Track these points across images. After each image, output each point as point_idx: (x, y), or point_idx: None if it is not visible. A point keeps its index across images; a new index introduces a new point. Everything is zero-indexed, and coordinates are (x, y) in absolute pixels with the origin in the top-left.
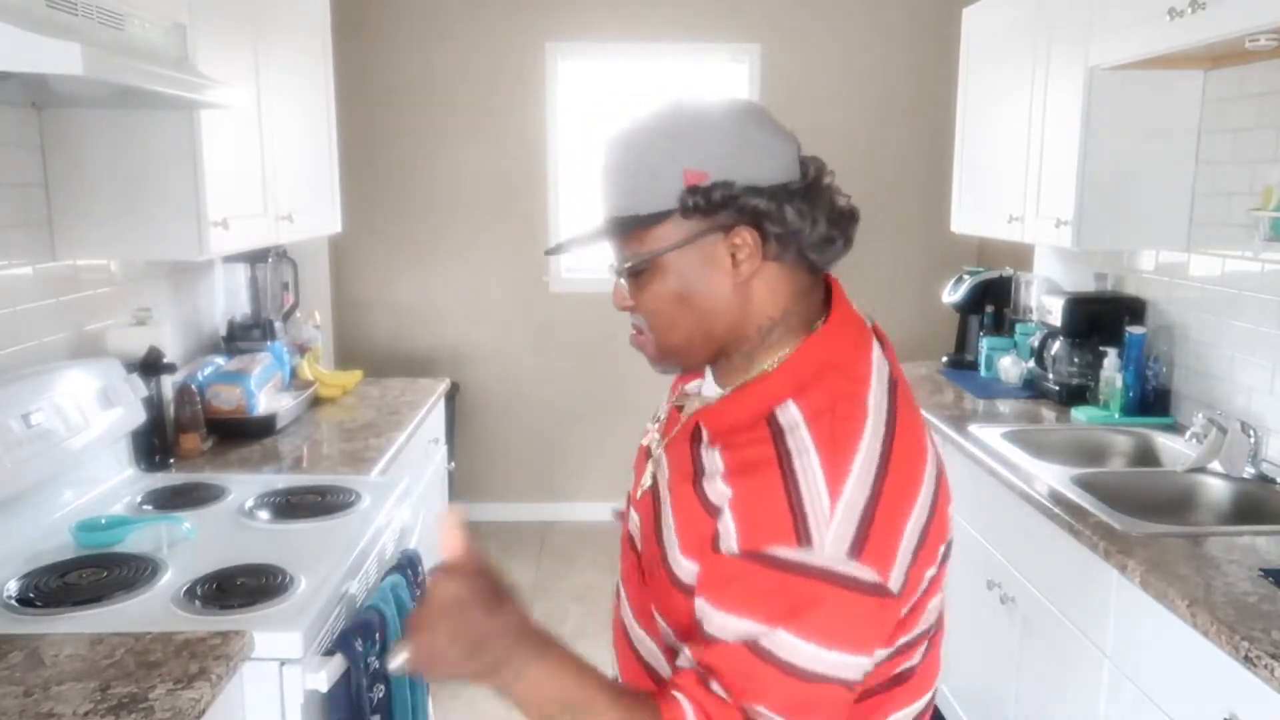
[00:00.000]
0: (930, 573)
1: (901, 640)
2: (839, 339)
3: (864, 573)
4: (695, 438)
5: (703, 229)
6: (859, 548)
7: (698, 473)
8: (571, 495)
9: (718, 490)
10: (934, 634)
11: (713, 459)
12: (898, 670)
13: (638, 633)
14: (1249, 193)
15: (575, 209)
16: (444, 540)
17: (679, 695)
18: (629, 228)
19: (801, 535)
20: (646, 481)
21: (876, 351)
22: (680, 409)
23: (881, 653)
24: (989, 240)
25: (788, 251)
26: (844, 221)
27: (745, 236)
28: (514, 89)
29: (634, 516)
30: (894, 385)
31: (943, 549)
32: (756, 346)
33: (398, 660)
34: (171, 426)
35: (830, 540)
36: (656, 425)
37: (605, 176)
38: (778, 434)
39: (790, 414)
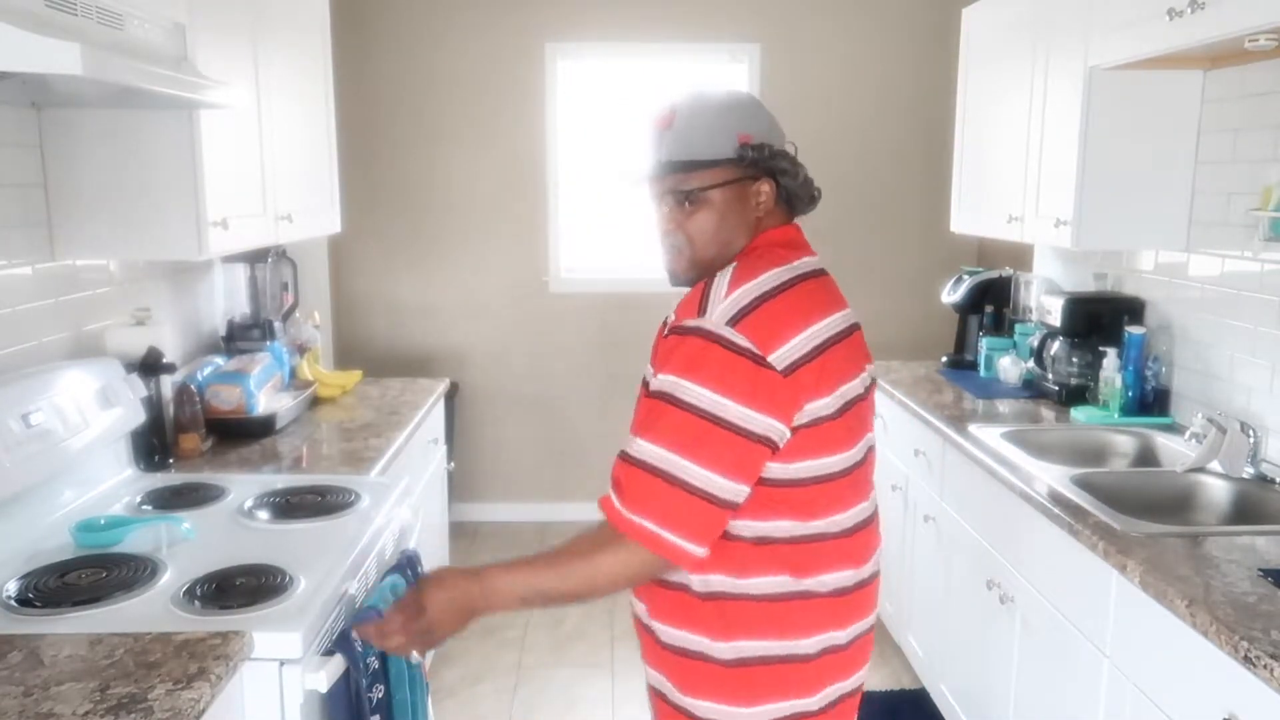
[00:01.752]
0: (825, 401)
1: (817, 460)
2: (778, 240)
3: (739, 339)
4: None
5: (741, 175)
6: (736, 321)
7: (661, 330)
8: (571, 495)
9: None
10: (859, 489)
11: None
12: (826, 520)
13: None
14: (1248, 192)
15: (575, 208)
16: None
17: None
18: (692, 168)
19: (700, 310)
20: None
21: (811, 259)
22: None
23: (776, 426)
24: (988, 240)
25: (787, 202)
26: (812, 185)
27: (767, 188)
28: (514, 89)
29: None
30: (816, 274)
31: (841, 390)
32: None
33: (415, 660)
34: (171, 426)
35: (717, 314)
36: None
37: (669, 129)
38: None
39: (725, 271)
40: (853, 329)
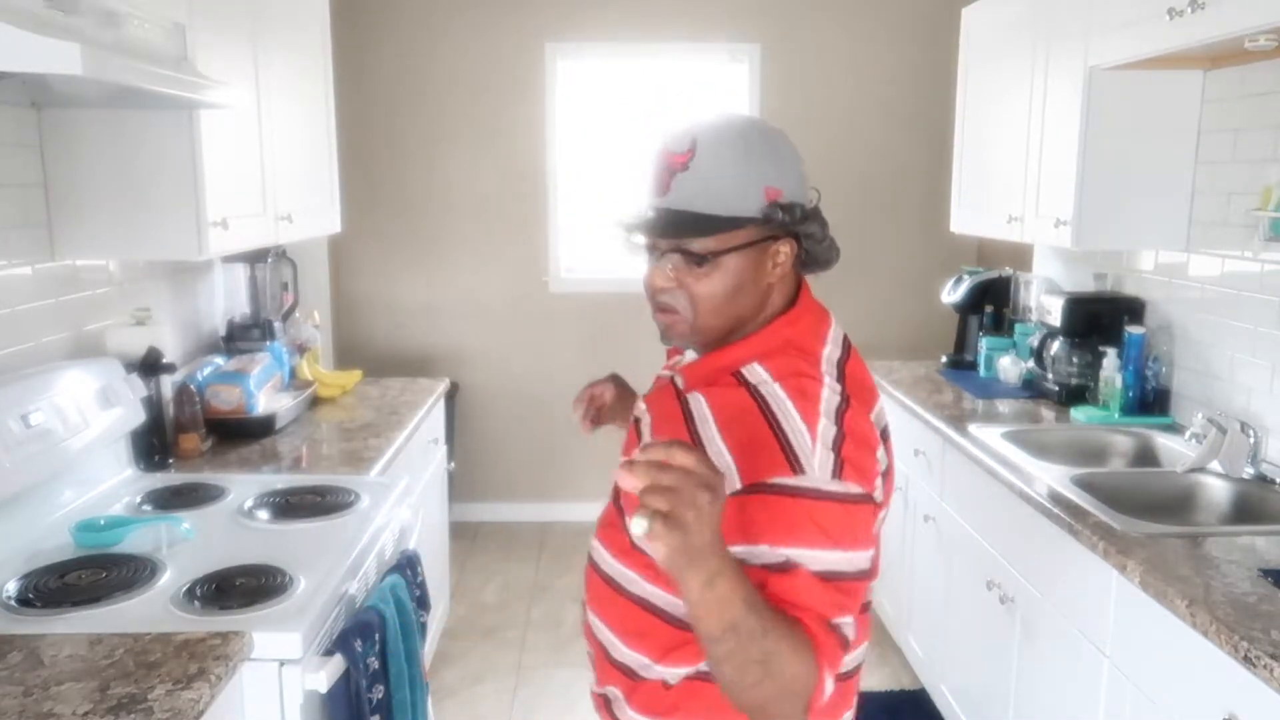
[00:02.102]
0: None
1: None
2: (799, 322)
3: (850, 488)
4: (674, 391)
5: (763, 236)
6: (839, 469)
7: (687, 416)
8: (571, 495)
9: (710, 436)
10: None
11: (698, 404)
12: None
13: (617, 568)
14: (1248, 192)
15: (575, 208)
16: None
17: (812, 629)
18: (710, 226)
19: (792, 465)
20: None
21: (834, 328)
22: (661, 374)
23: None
24: (988, 240)
25: (804, 264)
26: (835, 246)
27: (787, 248)
28: (514, 89)
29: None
30: (846, 350)
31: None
32: (749, 327)
33: (641, 527)
34: (171, 426)
35: (817, 466)
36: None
37: (693, 173)
38: (750, 387)
39: (756, 372)
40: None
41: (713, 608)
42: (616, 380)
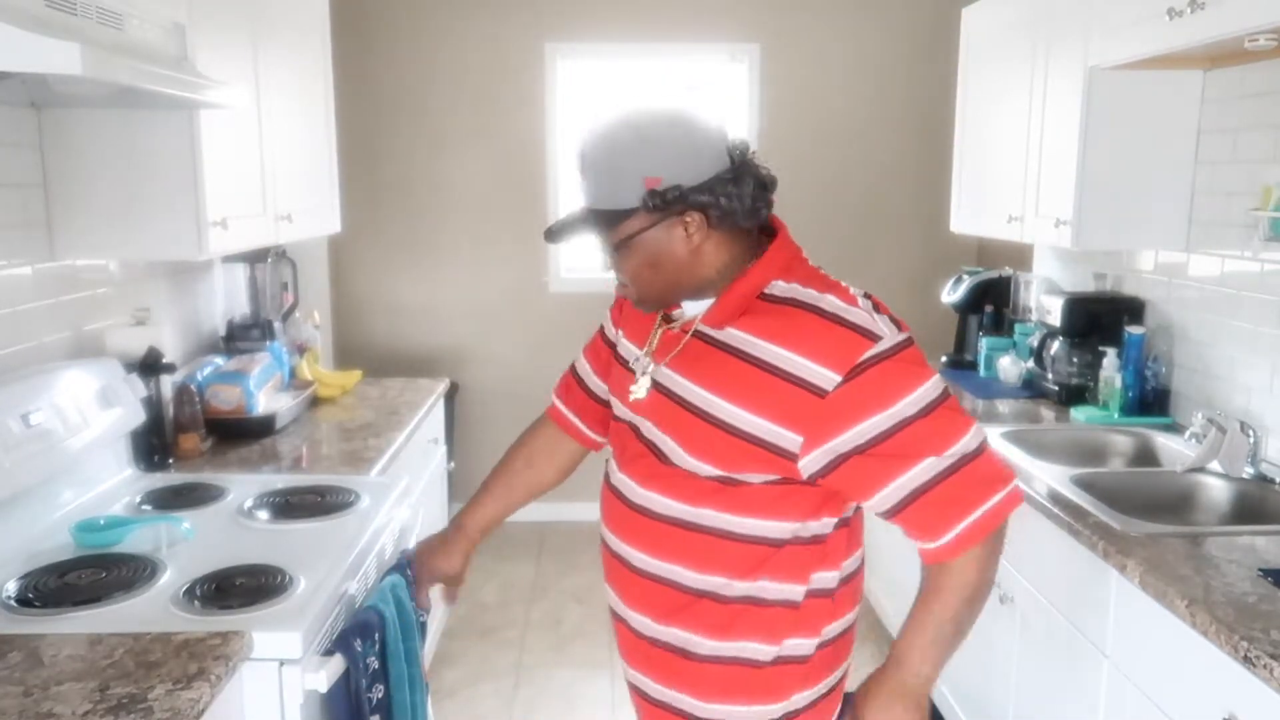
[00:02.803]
0: None
1: None
2: (790, 246)
3: (906, 335)
4: (701, 336)
5: (661, 217)
6: (896, 322)
7: (734, 351)
8: (571, 495)
9: (775, 353)
10: None
11: (738, 336)
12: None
13: (650, 496)
14: (1248, 193)
15: (574, 208)
16: None
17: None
18: (607, 219)
19: (869, 335)
20: (640, 391)
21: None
22: (671, 328)
23: None
24: (988, 240)
25: (725, 222)
26: (766, 191)
27: (693, 220)
28: (513, 89)
29: (636, 419)
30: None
31: None
32: (717, 281)
33: None
34: (171, 426)
35: (884, 327)
36: (647, 350)
37: (582, 176)
38: (785, 299)
39: (780, 286)
40: None
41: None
42: (434, 552)
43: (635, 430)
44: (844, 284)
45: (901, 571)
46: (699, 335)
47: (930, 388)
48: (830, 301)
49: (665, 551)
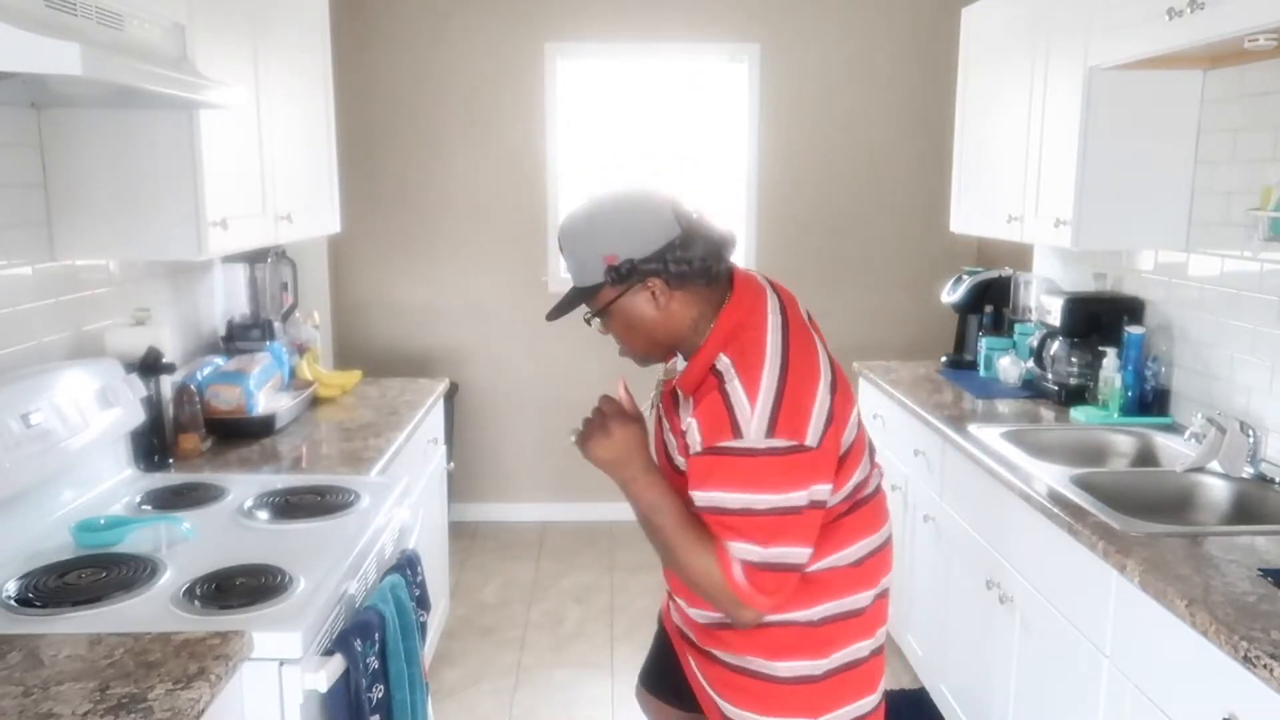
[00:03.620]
0: (849, 435)
1: (852, 480)
2: (741, 307)
3: (779, 443)
4: (674, 397)
5: (626, 288)
6: (772, 428)
7: (681, 415)
8: (571, 495)
9: (689, 422)
10: (878, 481)
11: (687, 405)
12: (858, 498)
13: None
14: (1248, 192)
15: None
16: (619, 394)
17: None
18: (583, 295)
19: (734, 431)
20: (651, 427)
21: (771, 300)
22: (670, 381)
23: (821, 489)
24: (988, 240)
25: (683, 283)
26: (720, 248)
27: (655, 285)
28: (513, 89)
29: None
30: (785, 321)
31: (854, 417)
32: (693, 335)
33: (572, 437)
34: (170, 427)
35: (753, 430)
36: (656, 391)
37: (565, 259)
38: (718, 375)
39: (723, 361)
40: (818, 339)
41: (631, 502)
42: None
43: None
44: (762, 370)
45: (896, 572)
46: (675, 392)
47: (763, 499)
48: (734, 388)
49: None
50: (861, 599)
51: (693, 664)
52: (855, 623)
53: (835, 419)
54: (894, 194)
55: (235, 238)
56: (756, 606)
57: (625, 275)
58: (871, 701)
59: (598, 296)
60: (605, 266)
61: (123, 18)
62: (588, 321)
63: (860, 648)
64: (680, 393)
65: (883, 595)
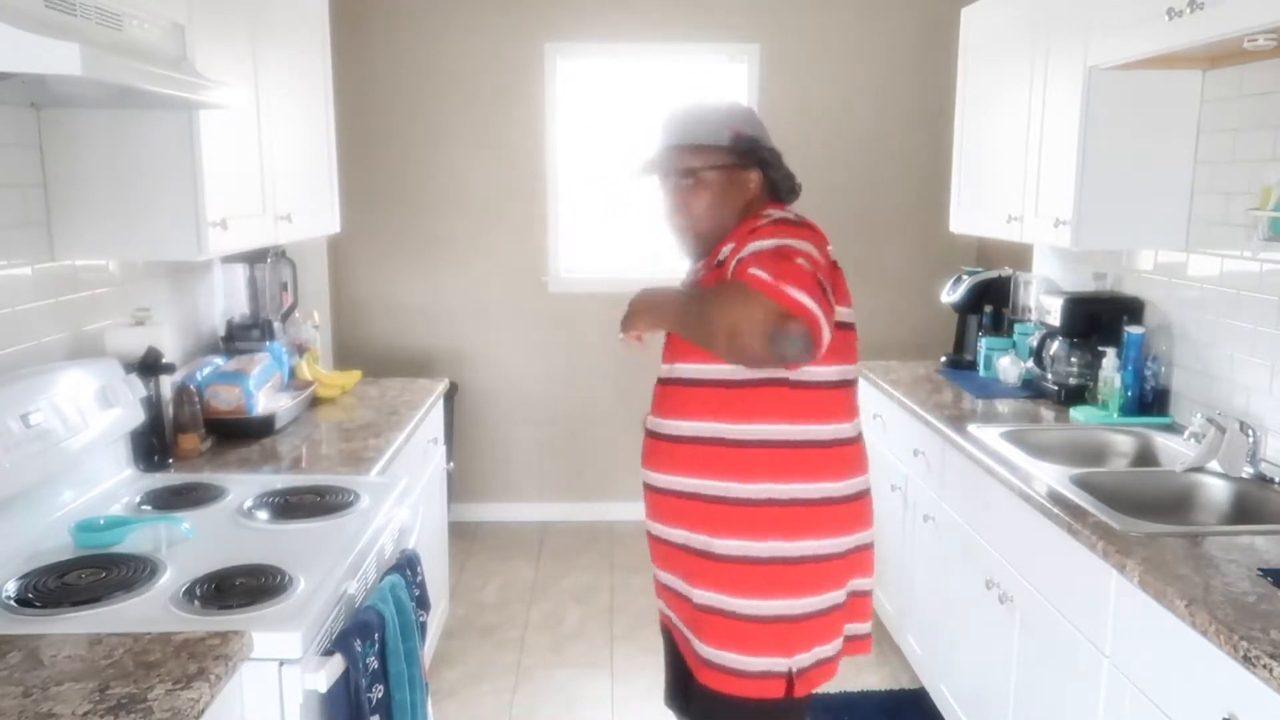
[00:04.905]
0: (846, 311)
1: (841, 366)
2: (778, 225)
3: (799, 243)
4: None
5: (733, 163)
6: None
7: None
8: (571, 495)
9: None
10: (859, 426)
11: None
12: (843, 378)
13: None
14: (1247, 192)
15: (574, 208)
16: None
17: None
18: (692, 150)
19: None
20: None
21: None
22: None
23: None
24: (988, 240)
25: (775, 188)
26: (793, 179)
27: (755, 175)
28: (513, 89)
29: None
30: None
31: (849, 311)
32: (710, 238)
33: (621, 335)
34: (170, 427)
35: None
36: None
37: (670, 124)
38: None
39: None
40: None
41: (680, 319)
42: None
43: None
44: (784, 217)
45: (896, 571)
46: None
47: (781, 244)
48: (761, 230)
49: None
50: (837, 544)
51: (683, 630)
52: (828, 566)
53: (840, 278)
54: (894, 194)
55: (235, 238)
56: (791, 307)
57: (747, 150)
58: (836, 645)
59: (707, 154)
60: (731, 133)
61: (122, 18)
62: (678, 184)
63: (834, 595)
64: (726, 252)
65: (856, 550)
